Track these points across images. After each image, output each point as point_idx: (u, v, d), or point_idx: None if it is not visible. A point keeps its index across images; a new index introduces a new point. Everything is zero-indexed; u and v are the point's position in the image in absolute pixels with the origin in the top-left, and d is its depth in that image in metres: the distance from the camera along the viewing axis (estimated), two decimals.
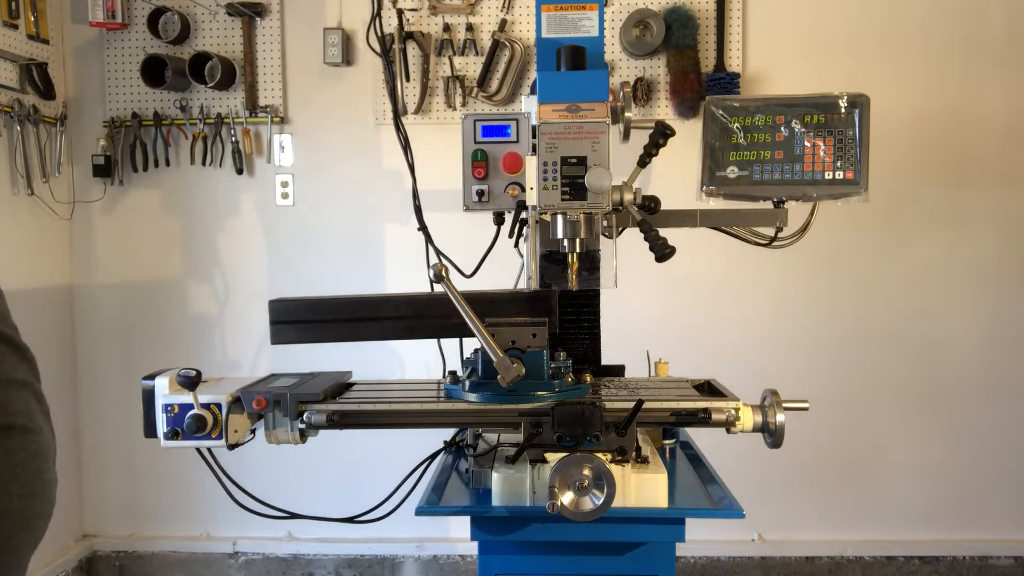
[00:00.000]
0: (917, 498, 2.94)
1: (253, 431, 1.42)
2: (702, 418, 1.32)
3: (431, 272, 1.28)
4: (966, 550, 2.94)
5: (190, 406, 1.32)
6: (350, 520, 1.59)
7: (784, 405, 1.33)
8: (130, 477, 3.08)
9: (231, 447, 1.35)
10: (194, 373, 1.31)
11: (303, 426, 1.36)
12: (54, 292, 2.97)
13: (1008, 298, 2.87)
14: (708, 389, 1.48)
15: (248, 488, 1.49)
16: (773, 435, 1.33)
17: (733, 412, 1.32)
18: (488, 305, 1.42)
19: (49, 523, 1.03)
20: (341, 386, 1.50)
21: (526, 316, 1.41)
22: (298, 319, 1.51)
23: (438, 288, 1.31)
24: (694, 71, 2.75)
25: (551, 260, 1.53)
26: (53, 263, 2.97)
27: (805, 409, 1.34)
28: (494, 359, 1.26)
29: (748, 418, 1.33)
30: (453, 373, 1.44)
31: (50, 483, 1.02)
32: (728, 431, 1.34)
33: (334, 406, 1.35)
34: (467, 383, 1.36)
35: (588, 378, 1.42)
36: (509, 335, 1.34)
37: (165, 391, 1.34)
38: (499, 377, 1.26)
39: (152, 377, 1.36)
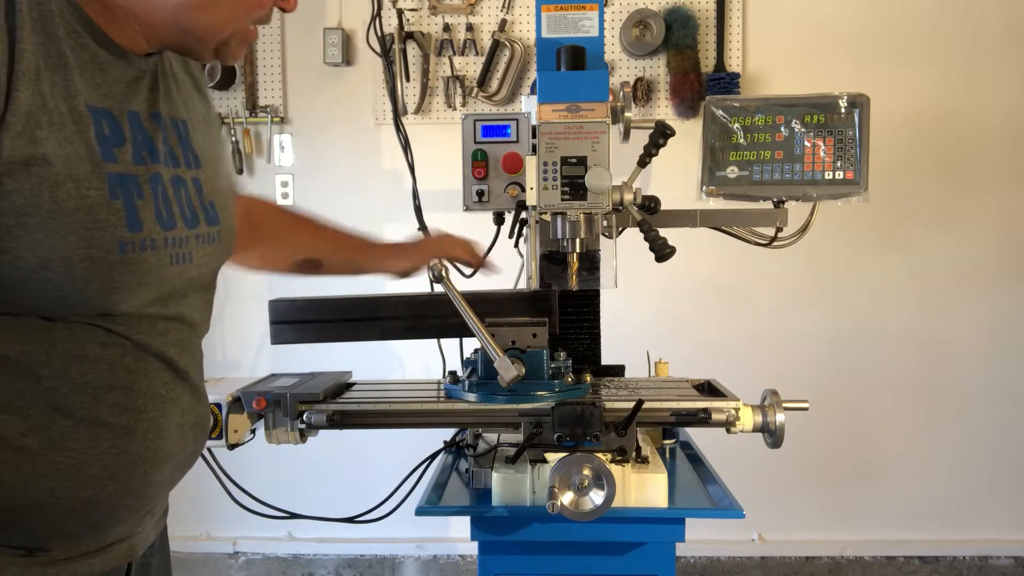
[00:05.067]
0: (917, 498, 2.93)
1: (253, 431, 1.42)
2: (702, 418, 1.32)
3: (431, 272, 1.28)
4: (966, 550, 2.94)
5: None
6: (350, 520, 1.59)
7: (784, 405, 1.32)
8: None
9: (231, 447, 1.35)
10: None
11: (303, 426, 1.36)
12: None
13: (1009, 298, 2.87)
14: (708, 389, 1.48)
15: (248, 488, 1.49)
16: (773, 435, 1.33)
17: (733, 412, 1.31)
18: (488, 305, 1.42)
19: None
20: (341, 386, 1.50)
21: (526, 316, 1.41)
22: (298, 319, 1.52)
23: (438, 288, 1.31)
24: (694, 71, 2.75)
25: (551, 260, 1.53)
26: None
27: (805, 409, 1.34)
28: (494, 359, 1.26)
29: (748, 418, 1.33)
30: (453, 373, 1.44)
31: None
32: (728, 431, 1.33)
33: (334, 406, 1.35)
34: (467, 383, 1.36)
35: (588, 378, 1.42)
36: (509, 335, 1.34)
37: None
38: (499, 377, 1.26)
39: None
